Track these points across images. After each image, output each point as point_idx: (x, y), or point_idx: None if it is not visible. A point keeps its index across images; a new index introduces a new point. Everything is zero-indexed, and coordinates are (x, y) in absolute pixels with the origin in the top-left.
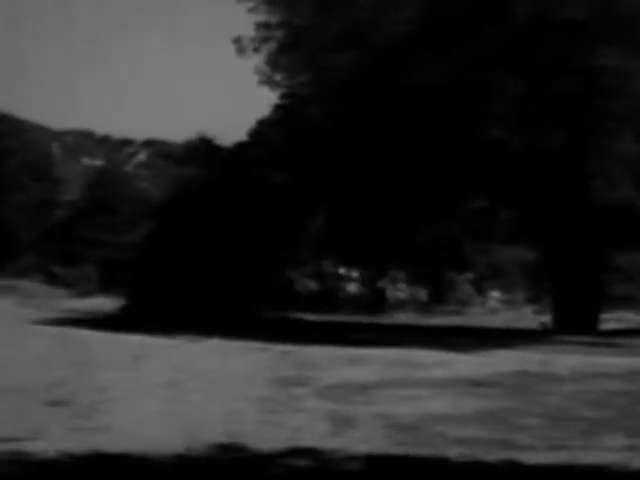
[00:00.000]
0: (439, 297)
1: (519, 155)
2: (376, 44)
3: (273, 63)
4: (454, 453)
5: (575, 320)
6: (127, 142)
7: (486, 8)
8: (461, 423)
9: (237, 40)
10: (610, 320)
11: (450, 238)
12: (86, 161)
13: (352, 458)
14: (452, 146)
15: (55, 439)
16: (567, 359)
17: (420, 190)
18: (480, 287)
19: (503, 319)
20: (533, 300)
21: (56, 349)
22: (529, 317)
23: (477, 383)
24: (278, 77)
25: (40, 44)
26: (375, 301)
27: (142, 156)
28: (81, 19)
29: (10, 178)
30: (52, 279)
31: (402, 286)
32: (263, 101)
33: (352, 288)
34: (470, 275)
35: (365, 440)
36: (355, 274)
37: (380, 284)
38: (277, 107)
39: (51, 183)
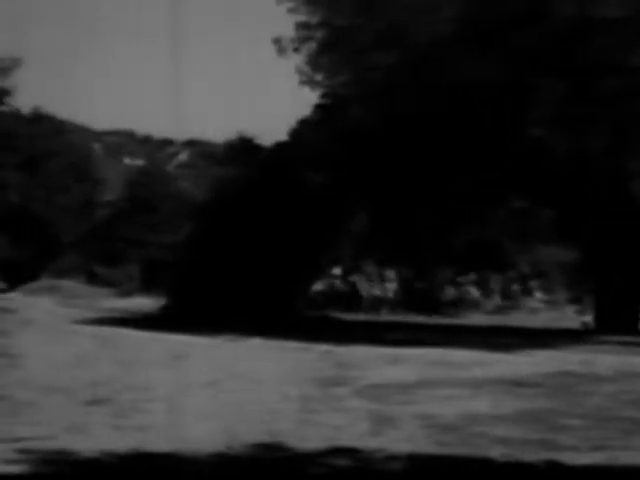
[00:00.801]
0: (485, 296)
1: (560, 155)
2: (416, 44)
3: (313, 63)
4: (495, 453)
5: (616, 320)
6: (168, 142)
7: (527, 7)
8: (502, 423)
9: (277, 40)
10: None
11: (490, 238)
12: (127, 161)
13: (393, 458)
14: (493, 146)
15: (97, 438)
16: (608, 359)
17: (461, 190)
18: (526, 287)
19: (544, 319)
20: (575, 300)
21: (98, 348)
22: (571, 317)
23: (518, 383)
24: (318, 77)
25: (82, 45)
26: (415, 300)
27: (183, 156)
28: (123, 20)
29: (52, 179)
30: (93, 279)
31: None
32: (303, 101)
33: (390, 288)
34: (513, 275)
35: (405, 440)
36: (392, 274)
37: (421, 284)
38: (317, 107)
39: (93, 183)
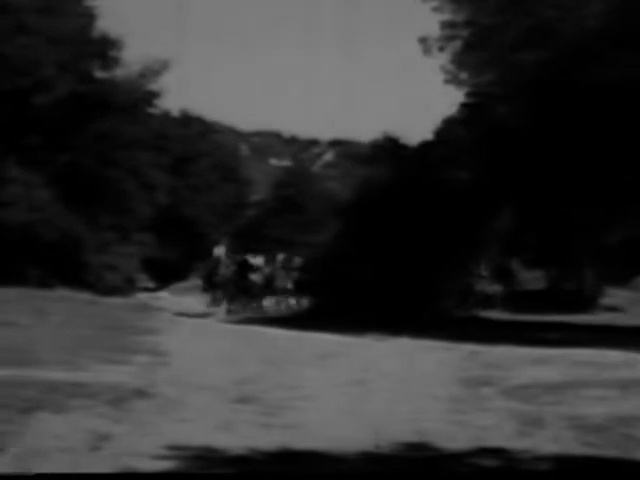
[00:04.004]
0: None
1: None
2: (564, 41)
3: (459, 62)
4: None
5: None
6: (314, 142)
7: None
8: None
9: (423, 40)
10: None
11: None
12: (274, 162)
13: (541, 459)
14: None
15: (244, 436)
16: None
17: (611, 187)
18: None
19: None
20: None
21: (245, 347)
22: None
23: None
24: (464, 76)
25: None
26: (567, 300)
27: (328, 156)
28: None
29: (201, 179)
30: None
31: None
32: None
33: (535, 286)
34: None
35: (553, 441)
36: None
37: (570, 284)
38: (463, 106)
39: (240, 184)
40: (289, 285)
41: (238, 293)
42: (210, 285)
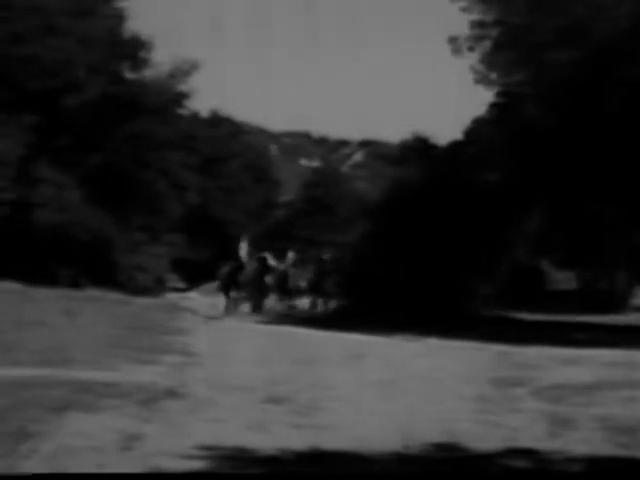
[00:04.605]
0: None
1: None
2: (595, 40)
3: (488, 62)
4: None
5: None
6: (343, 143)
7: None
8: None
9: (452, 40)
10: None
11: None
12: (304, 162)
13: (572, 460)
14: None
15: (275, 436)
16: None
17: None
18: None
19: None
20: None
21: (275, 347)
22: None
23: None
24: (493, 76)
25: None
26: (598, 300)
27: (358, 156)
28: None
29: (231, 180)
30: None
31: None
32: (478, 100)
33: (566, 286)
34: None
35: (584, 442)
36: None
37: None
38: (493, 106)
39: (270, 184)
40: (303, 284)
41: (261, 293)
42: (229, 287)
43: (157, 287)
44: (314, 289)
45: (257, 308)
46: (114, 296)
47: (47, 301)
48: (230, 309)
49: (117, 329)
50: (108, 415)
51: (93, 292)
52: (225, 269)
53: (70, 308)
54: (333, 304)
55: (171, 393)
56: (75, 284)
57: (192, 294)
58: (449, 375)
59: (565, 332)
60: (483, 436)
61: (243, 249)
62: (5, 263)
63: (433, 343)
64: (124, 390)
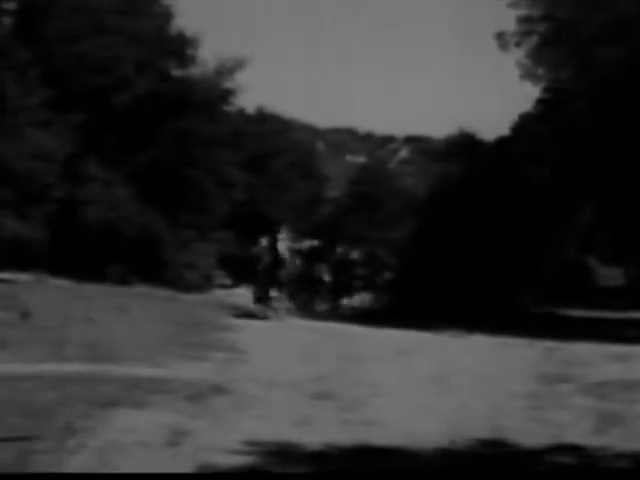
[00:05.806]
0: None
1: None
2: None
3: (535, 57)
4: None
5: None
6: (389, 139)
7: None
8: None
9: (499, 35)
10: None
11: None
12: (350, 158)
13: (619, 456)
14: None
15: (322, 432)
16: None
17: None
18: None
19: None
20: None
21: (321, 344)
22: None
23: None
24: (540, 71)
25: (304, 47)
26: None
27: (404, 152)
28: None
29: (277, 176)
30: None
31: None
32: (524, 95)
33: (613, 283)
34: None
35: (631, 438)
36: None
37: None
38: (540, 101)
39: (317, 180)
40: (326, 277)
41: (304, 290)
42: (267, 285)
43: (205, 284)
44: (367, 285)
45: (301, 305)
46: (162, 293)
47: (96, 297)
48: (268, 307)
49: (165, 325)
50: (156, 411)
51: (142, 289)
52: (261, 266)
53: (119, 304)
54: (384, 300)
55: (219, 389)
56: (124, 281)
57: (239, 290)
58: (496, 371)
59: (613, 329)
60: (530, 432)
61: (282, 245)
62: (55, 260)
63: (480, 339)
64: (172, 386)
